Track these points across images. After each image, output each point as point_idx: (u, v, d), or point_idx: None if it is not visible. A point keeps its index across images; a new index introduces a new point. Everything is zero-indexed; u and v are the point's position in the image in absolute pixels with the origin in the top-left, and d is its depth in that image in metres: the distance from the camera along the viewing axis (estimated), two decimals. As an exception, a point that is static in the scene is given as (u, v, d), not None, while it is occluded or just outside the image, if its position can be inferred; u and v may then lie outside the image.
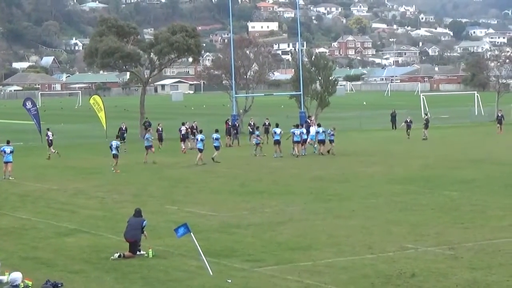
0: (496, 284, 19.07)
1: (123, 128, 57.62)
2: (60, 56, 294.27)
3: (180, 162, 47.50)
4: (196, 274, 20.47)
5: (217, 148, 46.95)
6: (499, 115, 67.70)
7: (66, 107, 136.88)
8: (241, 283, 19.62)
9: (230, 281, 19.66)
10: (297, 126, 51.27)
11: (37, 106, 71.06)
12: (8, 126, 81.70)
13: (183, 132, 55.50)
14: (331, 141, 49.65)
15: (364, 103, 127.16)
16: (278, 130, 49.56)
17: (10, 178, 40.77)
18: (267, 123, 60.13)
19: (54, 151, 51.79)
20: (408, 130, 62.31)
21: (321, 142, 49.96)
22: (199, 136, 47.42)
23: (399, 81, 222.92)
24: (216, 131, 49.09)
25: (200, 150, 46.16)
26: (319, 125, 51.04)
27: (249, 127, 60.29)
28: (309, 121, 57.23)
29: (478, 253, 22.05)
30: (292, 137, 49.57)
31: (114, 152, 44.04)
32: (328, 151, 49.43)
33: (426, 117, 64.26)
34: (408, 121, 63.59)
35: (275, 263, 21.45)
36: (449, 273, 19.99)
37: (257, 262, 21.64)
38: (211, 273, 20.18)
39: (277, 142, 49.02)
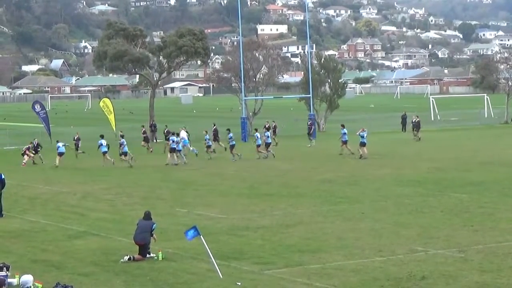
0: (506, 287, 19.02)
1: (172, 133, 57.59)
2: (70, 59, 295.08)
3: (188, 165, 47.52)
4: (206, 276, 20.47)
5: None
6: None
7: (75, 110, 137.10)
8: (251, 285, 19.61)
9: (239, 283, 19.65)
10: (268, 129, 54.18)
11: (46, 109, 71.21)
12: (18, 129, 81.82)
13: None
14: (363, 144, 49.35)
15: (372, 105, 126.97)
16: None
17: None
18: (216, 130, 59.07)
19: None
20: None
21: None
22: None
23: (408, 83, 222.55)
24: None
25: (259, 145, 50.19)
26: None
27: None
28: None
29: (488, 255, 21.99)
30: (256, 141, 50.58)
31: (125, 150, 46.92)
32: (361, 156, 48.84)
33: (417, 119, 63.92)
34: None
35: (285, 266, 21.43)
36: (459, 276, 19.94)
37: (267, 264, 21.64)
38: (220, 276, 20.18)
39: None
